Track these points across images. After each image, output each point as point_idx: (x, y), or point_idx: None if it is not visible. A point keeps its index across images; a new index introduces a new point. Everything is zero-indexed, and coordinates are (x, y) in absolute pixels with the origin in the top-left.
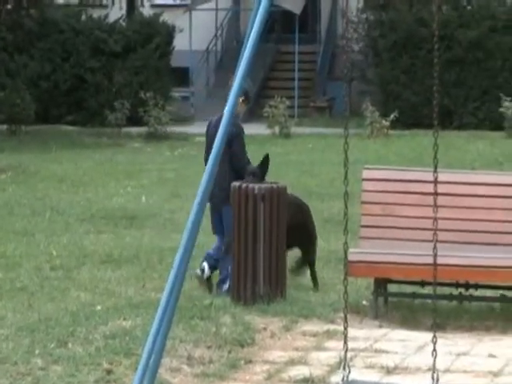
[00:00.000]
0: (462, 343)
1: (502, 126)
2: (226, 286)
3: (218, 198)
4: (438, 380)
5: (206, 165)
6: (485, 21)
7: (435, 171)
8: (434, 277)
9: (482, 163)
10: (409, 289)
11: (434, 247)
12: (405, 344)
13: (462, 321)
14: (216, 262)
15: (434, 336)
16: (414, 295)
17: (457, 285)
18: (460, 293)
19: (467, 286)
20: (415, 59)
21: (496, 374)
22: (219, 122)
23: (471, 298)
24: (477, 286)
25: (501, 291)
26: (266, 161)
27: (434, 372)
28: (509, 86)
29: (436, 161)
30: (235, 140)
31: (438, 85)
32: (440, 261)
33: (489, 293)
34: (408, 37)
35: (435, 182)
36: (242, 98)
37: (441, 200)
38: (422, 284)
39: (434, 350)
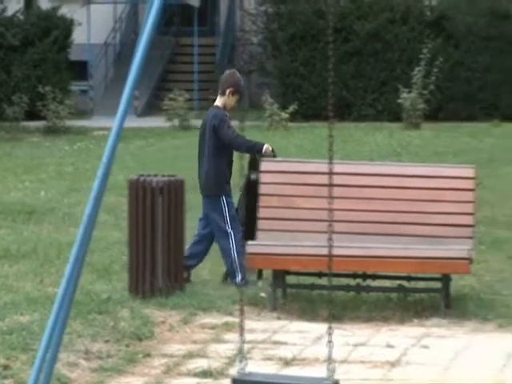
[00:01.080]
0: (359, 334)
1: (400, 117)
2: (238, 279)
3: (201, 190)
4: (334, 371)
5: (199, 156)
6: (383, 12)
7: (330, 163)
8: (330, 268)
9: (381, 154)
10: (307, 280)
11: (330, 238)
12: (303, 335)
13: (359, 311)
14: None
15: (330, 327)
16: (311, 286)
17: (355, 275)
18: (358, 283)
19: (365, 276)
20: (314, 51)
21: (393, 364)
22: (209, 116)
23: (369, 288)
24: (374, 277)
25: (398, 281)
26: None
27: (329, 363)
28: (407, 77)
29: (331, 152)
30: (219, 130)
31: (335, 76)
32: (337, 252)
33: (386, 283)
34: (306, 29)
35: (330, 173)
36: (231, 89)
37: (338, 191)
38: (320, 275)
39: (330, 341)
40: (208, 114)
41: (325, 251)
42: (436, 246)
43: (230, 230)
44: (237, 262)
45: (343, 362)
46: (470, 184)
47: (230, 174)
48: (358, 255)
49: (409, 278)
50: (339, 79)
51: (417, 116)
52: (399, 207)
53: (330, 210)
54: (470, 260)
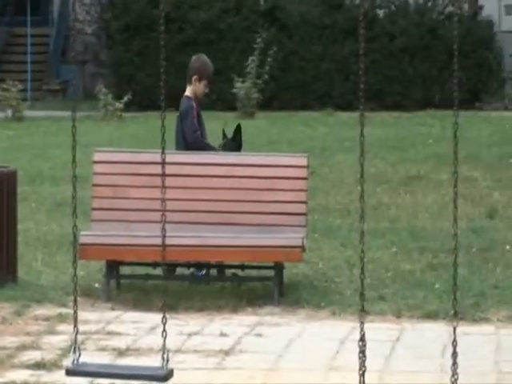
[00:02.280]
0: (193, 323)
1: (235, 106)
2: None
3: None
4: (168, 360)
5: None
6: (216, 2)
7: (163, 152)
8: (163, 257)
9: (216, 143)
10: (141, 270)
11: (163, 228)
12: (137, 326)
13: (193, 301)
14: None
15: (164, 317)
16: (145, 277)
17: (189, 265)
18: (192, 273)
19: (199, 265)
20: (148, 41)
21: (227, 353)
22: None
23: (203, 277)
24: (209, 266)
25: (232, 270)
26: (238, 131)
27: (163, 353)
28: (241, 66)
29: (164, 142)
30: (184, 118)
31: (170, 66)
32: (171, 241)
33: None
34: (140, 19)
35: (163, 163)
36: (195, 76)
37: (173, 181)
38: (155, 265)
39: (164, 330)
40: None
41: (158, 241)
42: (270, 234)
43: None
44: None
45: (177, 351)
46: (303, 173)
47: None
48: (192, 244)
49: (243, 267)
50: (174, 69)
51: (251, 105)
52: (233, 196)
53: (163, 200)
54: (302, 248)
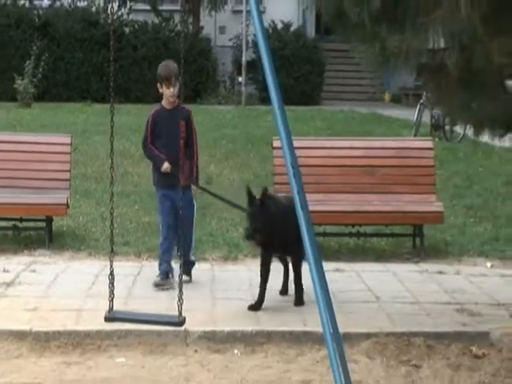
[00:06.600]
0: None
1: (16, 98)
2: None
3: None
4: None
5: None
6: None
7: None
8: None
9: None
10: None
11: None
12: None
13: None
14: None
15: None
16: None
17: None
18: None
19: None
20: None
21: (8, 284)
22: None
23: None
24: None
25: (13, 222)
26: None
27: None
28: (20, 68)
29: None
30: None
31: None
32: None
33: (2, 223)
34: None
35: None
36: (158, 84)
37: None
38: None
39: None
40: None
41: None
42: (42, 195)
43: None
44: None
45: None
46: (67, 148)
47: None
48: None
49: (21, 220)
50: None
51: (28, 97)
52: (14, 166)
53: None
54: (66, 205)
